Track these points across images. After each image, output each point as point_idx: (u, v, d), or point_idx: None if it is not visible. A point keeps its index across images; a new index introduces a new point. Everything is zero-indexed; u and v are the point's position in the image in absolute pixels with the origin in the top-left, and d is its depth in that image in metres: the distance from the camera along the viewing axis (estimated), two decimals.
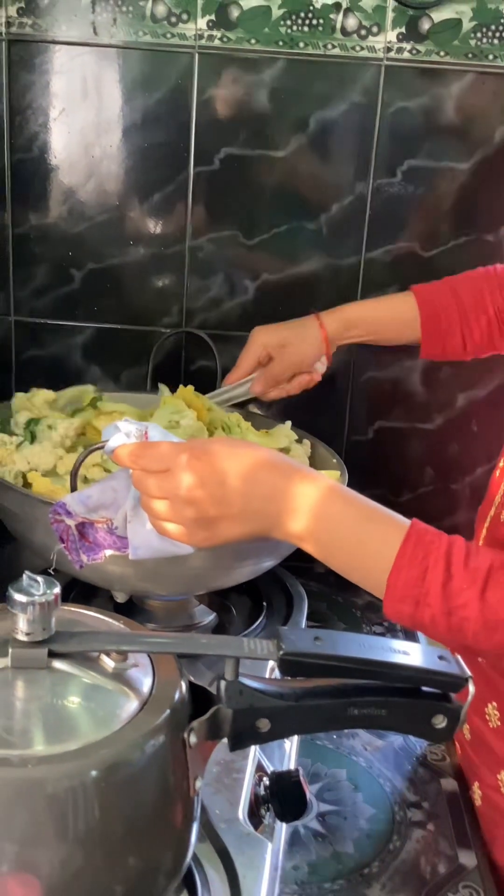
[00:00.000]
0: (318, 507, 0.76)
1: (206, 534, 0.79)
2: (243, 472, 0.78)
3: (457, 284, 1.19)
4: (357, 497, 0.78)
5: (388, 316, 1.21)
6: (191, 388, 1.18)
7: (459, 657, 0.65)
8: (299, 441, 1.19)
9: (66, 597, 1.07)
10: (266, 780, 0.83)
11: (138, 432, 0.82)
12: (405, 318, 1.19)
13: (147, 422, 0.86)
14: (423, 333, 1.18)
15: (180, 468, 0.77)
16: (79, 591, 1.09)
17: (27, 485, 1.04)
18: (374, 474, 1.45)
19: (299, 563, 1.15)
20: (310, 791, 0.86)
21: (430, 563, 0.72)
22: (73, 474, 0.91)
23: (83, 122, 1.31)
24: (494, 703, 0.91)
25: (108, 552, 0.84)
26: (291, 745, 0.93)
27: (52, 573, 0.71)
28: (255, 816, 0.80)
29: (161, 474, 0.78)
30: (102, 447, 0.84)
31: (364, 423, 1.44)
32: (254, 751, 0.86)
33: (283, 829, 0.83)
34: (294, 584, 1.22)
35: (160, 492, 0.78)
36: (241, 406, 1.28)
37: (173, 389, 1.22)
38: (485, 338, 1.19)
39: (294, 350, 1.19)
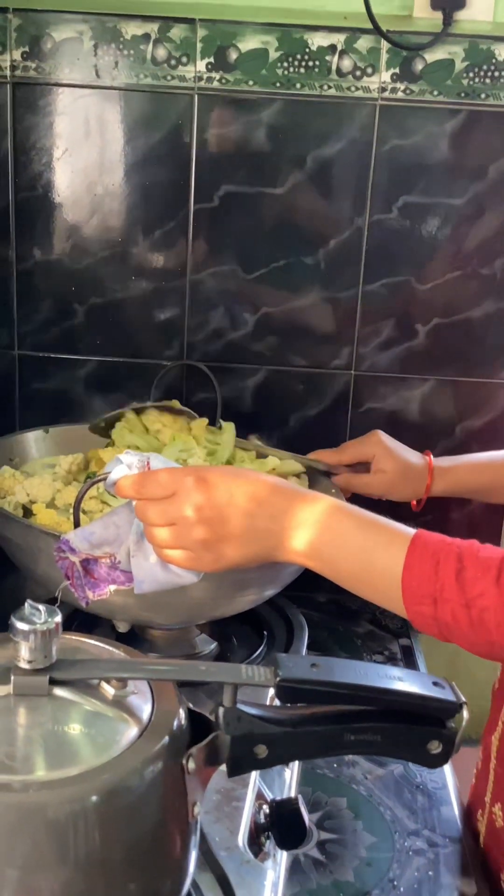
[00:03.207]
0: (321, 522, 0.78)
1: (212, 556, 0.80)
2: (248, 494, 0.79)
3: None
4: (358, 510, 0.80)
5: (499, 478, 1.18)
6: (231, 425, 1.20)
7: (454, 684, 0.66)
8: (298, 476, 1.20)
9: (69, 626, 1.08)
10: (266, 808, 0.83)
11: (140, 463, 0.84)
12: None
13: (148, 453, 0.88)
14: None
15: (186, 491, 0.79)
16: (81, 620, 1.10)
17: (27, 516, 1.06)
18: (375, 504, 1.45)
19: (300, 592, 1.16)
20: (310, 819, 0.86)
21: (441, 557, 0.73)
22: (77, 505, 0.92)
23: (86, 161, 1.34)
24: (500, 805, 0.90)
25: (113, 587, 0.85)
26: (292, 773, 0.93)
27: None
28: (254, 844, 0.81)
29: (165, 500, 0.80)
30: (105, 479, 0.86)
31: None
32: (254, 779, 0.87)
33: (283, 857, 0.84)
34: (295, 614, 1.23)
35: (164, 518, 0.80)
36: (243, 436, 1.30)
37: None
38: None
39: (389, 482, 1.17)
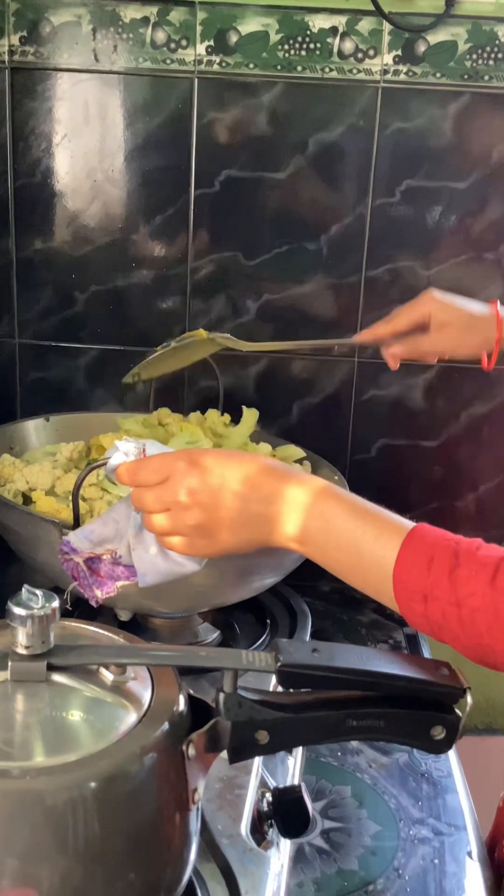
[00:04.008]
0: (312, 508, 0.76)
1: (206, 541, 0.79)
2: (241, 477, 0.78)
3: None
4: (351, 496, 0.77)
5: None
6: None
7: (459, 669, 0.64)
8: (300, 462, 1.19)
9: (70, 615, 1.08)
10: (269, 797, 0.82)
11: (136, 450, 0.83)
12: None
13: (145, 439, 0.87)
14: None
15: (179, 475, 0.78)
16: (82, 609, 1.09)
17: (27, 503, 1.05)
18: (378, 492, 1.43)
19: (303, 581, 1.15)
20: (313, 807, 0.85)
21: (437, 553, 0.69)
22: (76, 492, 0.92)
23: (85, 147, 1.33)
24: None
25: (120, 584, 0.85)
26: (295, 761, 0.93)
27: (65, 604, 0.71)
28: (257, 833, 0.80)
29: (159, 486, 0.79)
30: (103, 464, 0.85)
31: (367, 441, 1.45)
32: (257, 767, 0.86)
33: (286, 846, 0.83)
34: (298, 602, 1.22)
35: (159, 504, 0.79)
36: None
37: (175, 410, 1.25)
38: None
39: (454, 336, 1.07)
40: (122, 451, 0.82)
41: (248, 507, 0.77)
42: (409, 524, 0.74)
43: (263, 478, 0.78)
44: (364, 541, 0.73)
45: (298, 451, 1.20)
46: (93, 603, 0.85)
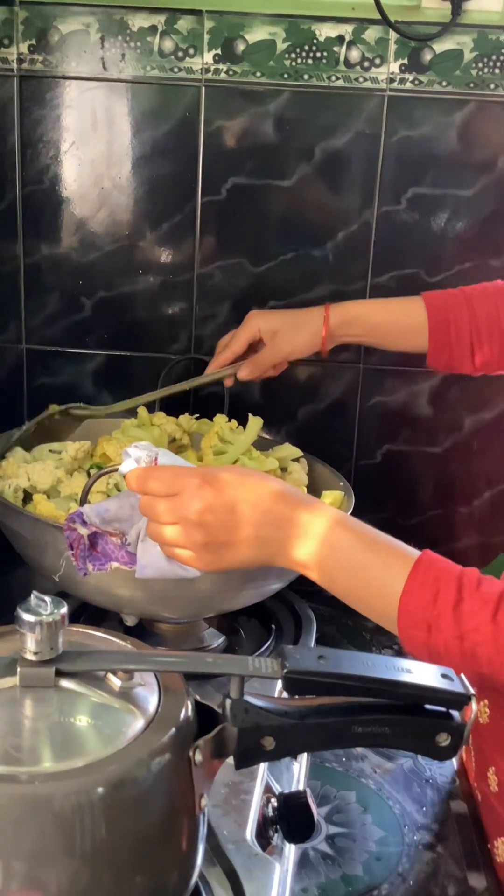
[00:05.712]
0: (322, 535, 0.77)
1: (212, 557, 0.80)
2: (252, 500, 0.79)
3: (472, 296, 1.15)
4: (361, 526, 0.79)
5: (395, 319, 1.18)
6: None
7: (464, 676, 0.65)
8: (297, 460, 1.20)
9: (76, 620, 1.09)
10: (274, 802, 0.83)
11: (148, 458, 0.84)
12: (413, 323, 1.15)
13: (159, 448, 0.88)
14: (430, 342, 1.14)
15: (190, 492, 0.78)
16: (89, 614, 1.10)
17: (27, 500, 1.06)
18: (383, 498, 1.45)
19: (308, 586, 1.15)
20: (318, 813, 0.86)
21: (442, 587, 0.72)
22: (83, 498, 0.93)
23: (93, 154, 1.34)
24: (493, 769, 0.89)
25: (115, 565, 0.86)
26: (300, 767, 0.93)
27: (62, 595, 0.72)
28: (263, 838, 0.81)
29: (171, 498, 0.79)
30: (111, 472, 0.86)
31: (372, 447, 1.45)
32: (262, 772, 0.86)
33: (291, 851, 0.84)
34: (303, 608, 1.22)
35: (170, 516, 0.79)
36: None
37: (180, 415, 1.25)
38: (496, 355, 1.14)
39: (286, 339, 1.17)
40: (133, 457, 0.83)
41: (257, 530, 0.78)
42: (414, 553, 0.76)
43: (274, 503, 0.79)
44: (373, 570, 0.76)
45: (295, 451, 1.21)
46: (80, 573, 0.86)
